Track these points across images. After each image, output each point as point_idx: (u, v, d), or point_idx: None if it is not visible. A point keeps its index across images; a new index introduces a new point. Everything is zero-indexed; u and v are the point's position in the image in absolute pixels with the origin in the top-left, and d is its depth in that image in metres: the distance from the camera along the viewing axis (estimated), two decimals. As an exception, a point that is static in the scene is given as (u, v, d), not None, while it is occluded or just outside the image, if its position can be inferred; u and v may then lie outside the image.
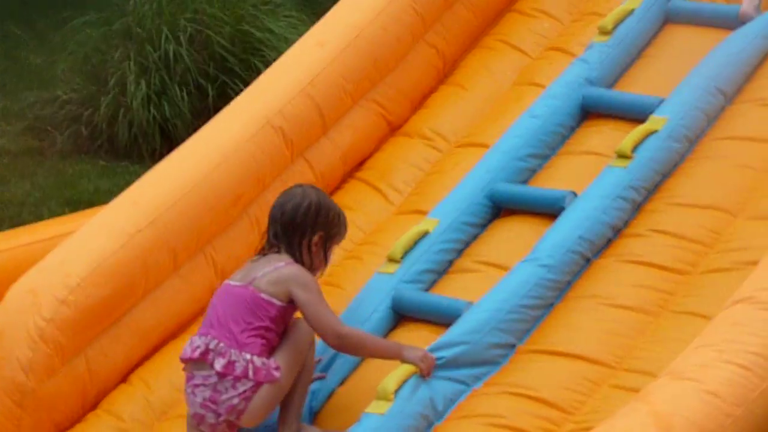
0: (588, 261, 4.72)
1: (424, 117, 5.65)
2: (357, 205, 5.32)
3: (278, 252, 4.46)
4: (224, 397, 4.33)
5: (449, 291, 4.75)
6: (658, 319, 4.48)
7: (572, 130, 5.29)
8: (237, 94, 8.57)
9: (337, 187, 5.44)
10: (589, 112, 5.31)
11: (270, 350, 4.38)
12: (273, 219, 4.49)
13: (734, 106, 5.15)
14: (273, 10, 9.52)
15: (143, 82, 9.05)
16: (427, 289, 4.78)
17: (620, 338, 4.41)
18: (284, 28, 9.40)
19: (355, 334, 4.41)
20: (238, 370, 4.33)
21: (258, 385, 4.33)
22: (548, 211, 4.87)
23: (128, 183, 8.30)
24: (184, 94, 9.06)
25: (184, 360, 4.42)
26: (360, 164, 5.52)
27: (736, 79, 5.19)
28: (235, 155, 5.06)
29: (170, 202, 4.87)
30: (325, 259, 4.53)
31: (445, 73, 5.82)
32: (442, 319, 4.59)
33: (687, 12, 5.56)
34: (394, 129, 5.63)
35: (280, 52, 8.90)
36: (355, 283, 4.91)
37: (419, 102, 5.72)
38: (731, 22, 5.40)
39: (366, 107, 5.53)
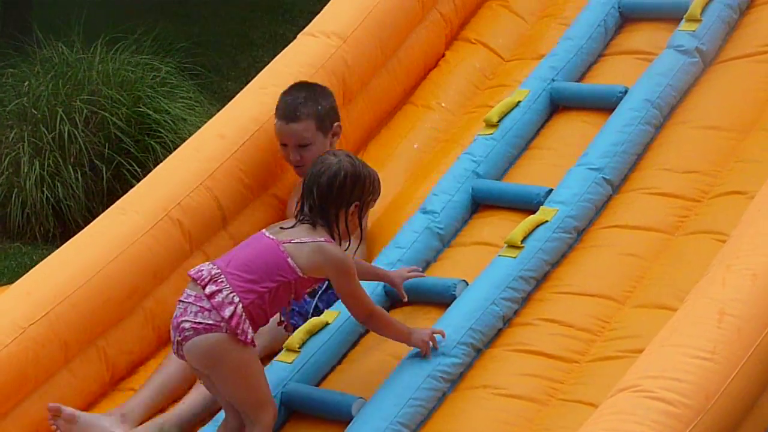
0: (479, 351, 4.80)
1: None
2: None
3: (313, 225, 4.46)
4: (184, 318, 4.34)
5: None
6: (547, 407, 4.56)
7: (465, 222, 5.41)
8: (132, 176, 8.66)
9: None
10: (479, 204, 5.43)
11: (254, 314, 4.37)
12: (308, 191, 4.49)
13: (620, 195, 5.31)
14: (170, 92, 9.58)
15: (37, 163, 9.05)
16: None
17: (510, 427, 4.49)
18: (182, 109, 9.46)
19: (384, 314, 4.56)
20: (217, 299, 4.32)
21: (215, 326, 4.30)
22: (440, 300, 4.95)
23: (20, 265, 8.32)
24: (79, 175, 9.06)
25: (189, 275, 4.44)
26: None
27: (622, 168, 5.34)
28: (132, 248, 5.06)
29: (64, 295, 4.87)
30: (360, 226, 4.55)
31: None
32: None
33: (572, 96, 5.73)
34: (294, 223, 5.70)
35: (177, 134, 9.02)
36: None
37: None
38: (613, 103, 5.56)
39: (267, 202, 5.55)
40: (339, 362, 4.90)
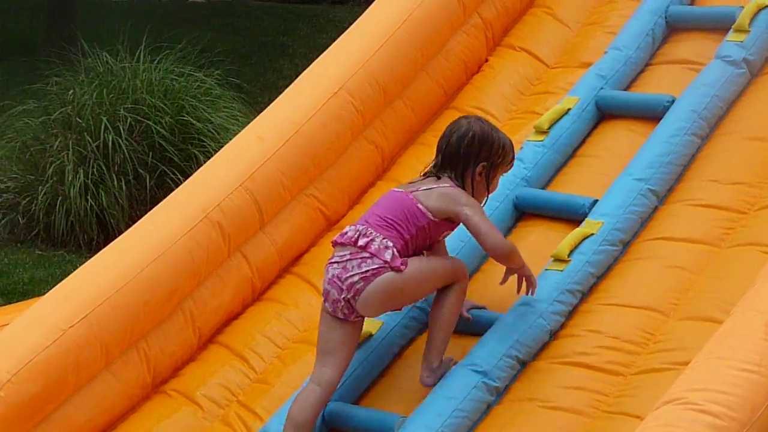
0: (524, 364, 4.77)
1: (362, 213, 5.67)
2: (292, 301, 5.34)
3: (438, 177, 4.76)
4: (349, 274, 4.63)
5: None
6: (593, 420, 4.52)
7: (508, 230, 5.37)
8: (176, 184, 8.67)
9: (273, 282, 5.46)
10: (523, 212, 5.39)
11: (403, 253, 4.65)
12: (438, 150, 4.80)
13: (665, 207, 5.26)
14: (213, 102, 9.61)
15: (81, 172, 9.08)
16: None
17: (558, 440, 4.45)
18: (224, 119, 9.49)
19: (512, 246, 4.73)
20: (373, 247, 4.62)
21: (381, 269, 4.59)
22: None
23: (64, 272, 8.34)
24: (122, 183, 9.09)
25: (333, 244, 4.75)
26: (296, 259, 5.54)
27: (668, 179, 5.30)
28: (172, 250, 5.06)
29: (104, 297, 4.86)
30: (488, 189, 4.81)
31: (384, 168, 5.90)
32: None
33: (619, 104, 5.67)
34: (331, 224, 5.68)
35: (219, 143, 9.03)
36: (288, 382, 4.93)
37: (357, 197, 5.79)
38: (660, 113, 5.51)
39: (304, 202, 5.57)
40: (381, 375, 4.90)
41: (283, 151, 5.48)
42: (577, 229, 5.09)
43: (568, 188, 5.44)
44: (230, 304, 5.30)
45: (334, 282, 4.67)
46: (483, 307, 4.95)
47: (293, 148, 5.51)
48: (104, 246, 5.23)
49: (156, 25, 11.69)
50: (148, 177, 9.08)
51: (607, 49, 5.89)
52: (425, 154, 5.86)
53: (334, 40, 6.00)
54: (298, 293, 5.39)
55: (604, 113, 5.72)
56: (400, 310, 4.88)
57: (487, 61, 6.23)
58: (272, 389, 4.95)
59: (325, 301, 4.71)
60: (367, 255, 4.63)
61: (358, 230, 4.70)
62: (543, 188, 5.47)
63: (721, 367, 3.98)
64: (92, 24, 13.24)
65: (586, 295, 4.99)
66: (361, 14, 6.08)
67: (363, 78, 5.72)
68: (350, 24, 6.05)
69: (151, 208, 5.38)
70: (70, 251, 9.03)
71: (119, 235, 5.25)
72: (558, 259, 4.97)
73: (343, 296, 4.66)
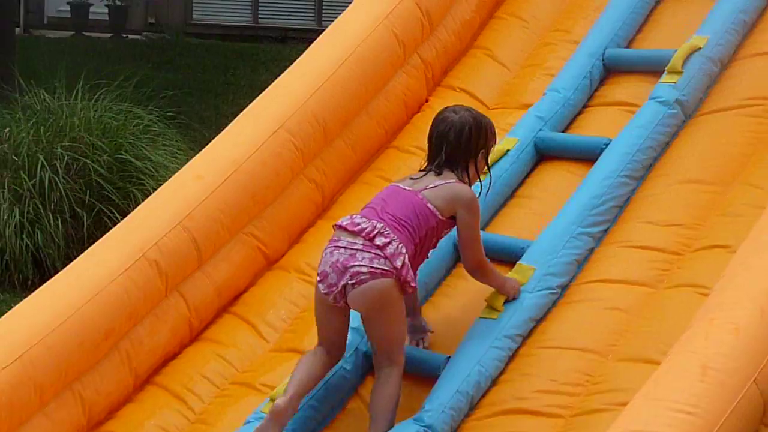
0: (468, 414, 4.78)
1: (301, 251, 5.69)
2: (231, 341, 5.31)
3: (440, 174, 4.81)
4: (357, 263, 4.61)
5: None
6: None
7: (449, 271, 5.37)
8: (113, 223, 8.59)
9: (212, 322, 5.43)
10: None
11: (413, 264, 4.69)
12: (437, 147, 4.86)
13: (602, 248, 5.27)
14: (153, 139, 9.55)
15: (17, 210, 8.98)
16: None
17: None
18: (164, 156, 9.43)
19: (490, 266, 4.89)
20: (389, 250, 4.62)
21: (389, 272, 4.60)
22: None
23: (-1, 312, 8.23)
24: (59, 222, 8.99)
25: (338, 227, 4.72)
26: (235, 298, 5.52)
27: (603, 221, 5.31)
28: (108, 289, 5.01)
29: (38, 338, 4.80)
30: (487, 169, 5.01)
31: (324, 207, 5.89)
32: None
33: (557, 146, 5.71)
34: (270, 263, 5.66)
35: (159, 181, 8.97)
36: (226, 422, 4.89)
37: (297, 236, 5.77)
38: (597, 154, 5.53)
39: (243, 241, 5.55)
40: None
41: (222, 190, 5.46)
42: (509, 273, 5.10)
43: (508, 229, 5.45)
44: (168, 344, 5.26)
45: (337, 266, 4.65)
46: (431, 332, 4.99)
47: (232, 186, 5.50)
48: (39, 286, 5.17)
49: (95, 62, 11.64)
50: (85, 216, 8.99)
51: (545, 91, 5.93)
52: (366, 192, 5.86)
53: (276, 78, 6.01)
54: (237, 333, 5.35)
55: (543, 154, 5.74)
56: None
57: (427, 101, 6.26)
58: (212, 430, 4.90)
59: (320, 282, 4.70)
60: (381, 254, 4.62)
61: (375, 227, 4.67)
62: (482, 229, 5.48)
63: (658, 408, 3.98)
64: (30, 61, 13.15)
65: (525, 338, 4.99)
66: (302, 53, 6.09)
67: (303, 116, 5.73)
68: (292, 62, 6.06)
69: (87, 247, 5.33)
70: (5, 291, 8.91)
71: (55, 274, 5.19)
72: (492, 308, 4.98)
73: (342, 282, 4.65)
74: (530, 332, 5.00)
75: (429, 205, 4.75)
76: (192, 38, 17.06)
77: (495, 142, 4.99)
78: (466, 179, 4.86)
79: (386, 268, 4.61)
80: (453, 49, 6.37)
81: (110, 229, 5.44)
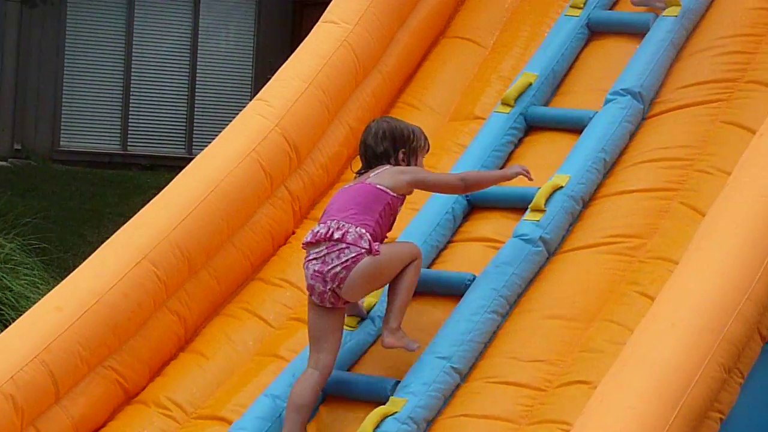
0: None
1: (162, 385, 5.61)
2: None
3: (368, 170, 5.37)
4: (329, 267, 5.15)
5: None
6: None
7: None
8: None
9: (68, 457, 5.32)
10: (327, 394, 5.40)
11: (376, 237, 5.21)
12: (362, 154, 5.46)
13: (468, 384, 5.29)
14: (14, 269, 9.39)
15: None
16: None
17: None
18: (24, 287, 9.27)
19: (472, 173, 5.61)
20: (350, 237, 5.14)
21: (359, 256, 5.12)
22: None
23: None
24: None
25: (306, 244, 5.25)
26: (93, 433, 5.43)
27: (470, 357, 5.35)
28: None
29: None
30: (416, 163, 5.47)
31: (187, 340, 5.83)
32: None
33: (424, 282, 5.69)
34: (130, 397, 5.56)
35: (19, 312, 8.79)
36: None
37: (158, 369, 5.69)
38: (462, 290, 5.60)
39: (102, 374, 5.45)
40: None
41: (82, 322, 5.38)
42: (380, 407, 5.10)
43: (373, 368, 5.47)
44: (20, 481, 5.11)
45: (317, 276, 5.18)
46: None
47: (93, 318, 5.42)
48: None
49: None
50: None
51: (406, 228, 5.95)
52: (230, 325, 5.83)
53: (143, 206, 5.97)
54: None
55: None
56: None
57: (294, 233, 6.26)
58: None
59: (311, 295, 5.21)
60: (344, 246, 5.15)
61: (329, 226, 5.19)
62: (347, 370, 5.50)
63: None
64: None
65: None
66: (172, 181, 6.07)
67: (167, 248, 5.69)
68: (161, 190, 6.03)
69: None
70: None
71: None
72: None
73: (328, 287, 5.17)
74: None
75: (378, 186, 5.29)
76: (59, 165, 16.91)
77: (425, 144, 5.51)
78: None
79: (354, 254, 5.14)
80: (320, 181, 6.41)
81: (-34, 360, 5.31)
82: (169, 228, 5.74)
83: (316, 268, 5.17)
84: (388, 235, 5.39)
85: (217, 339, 5.81)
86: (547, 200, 5.79)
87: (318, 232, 5.21)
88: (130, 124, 18.51)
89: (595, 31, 6.57)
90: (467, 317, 5.42)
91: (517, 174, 5.56)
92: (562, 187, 5.82)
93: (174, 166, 6.68)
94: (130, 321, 5.56)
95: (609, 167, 6.02)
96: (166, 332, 5.73)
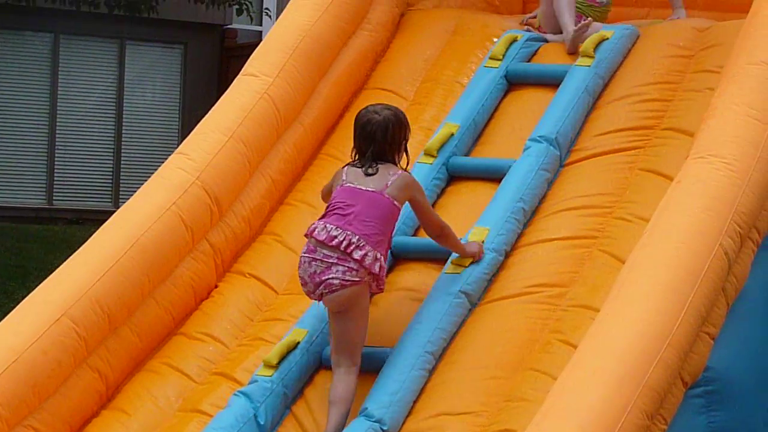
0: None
1: (86, 442, 5.56)
2: None
3: (376, 166, 5.52)
4: (331, 276, 5.36)
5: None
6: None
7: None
8: None
9: None
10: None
11: (385, 258, 5.48)
12: (367, 144, 5.55)
13: None
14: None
15: None
16: None
17: None
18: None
19: (449, 228, 5.68)
20: (367, 261, 5.34)
21: (362, 282, 5.36)
22: None
23: None
24: None
25: (317, 239, 5.39)
26: (12, 493, 5.34)
27: (399, 415, 5.38)
28: None
29: None
30: (406, 156, 5.67)
31: (108, 397, 5.76)
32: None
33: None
34: (50, 456, 5.50)
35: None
36: None
37: (80, 428, 5.61)
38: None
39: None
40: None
41: (0, 381, 5.29)
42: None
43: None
44: None
45: (314, 279, 5.40)
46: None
47: (12, 376, 5.34)
48: None
49: None
50: None
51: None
52: (152, 381, 5.77)
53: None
54: None
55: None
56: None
57: (216, 287, 6.23)
58: None
59: (302, 285, 5.47)
60: (354, 266, 5.34)
61: (351, 241, 5.35)
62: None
63: None
64: None
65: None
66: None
67: (87, 304, 5.63)
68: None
69: None
70: None
71: None
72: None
73: (318, 291, 5.41)
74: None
75: (395, 203, 5.48)
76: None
77: (410, 130, 5.68)
78: (400, 167, 5.59)
79: (357, 279, 5.35)
80: (243, 235, 6.37)
81: None
82: (88, 284, 5.68)
83: (318, 272, 5.38)
84: None
85: (139, 395, 5.74)
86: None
87: (335, 237, 5.36)
88: (55, 178, 18.39)
89: (513, 82, 6.62)
90: (395, 377, 5.43)
91: (474, 254, 5.74)
92: (482, 240, 5.83)
93: (101, 219, 6.64)
94: (50, 379, 5.49)
95: (528, 216, 6.06)
96: (87, 390, 5.66)
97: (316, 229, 5.42)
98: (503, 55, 6.72)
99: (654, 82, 6.47)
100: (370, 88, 7.02)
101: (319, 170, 6.65)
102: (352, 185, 5.50)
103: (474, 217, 6.03)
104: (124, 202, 6.27)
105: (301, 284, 5.48)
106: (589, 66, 6.53)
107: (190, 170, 6.19)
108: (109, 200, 18.46)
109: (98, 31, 18.35)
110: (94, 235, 6.00)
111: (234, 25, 19.67)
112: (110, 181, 18.67)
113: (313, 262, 5.39)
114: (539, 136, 6.24)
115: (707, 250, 5.24)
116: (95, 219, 16.15)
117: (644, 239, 5.34)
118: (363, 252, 5.33)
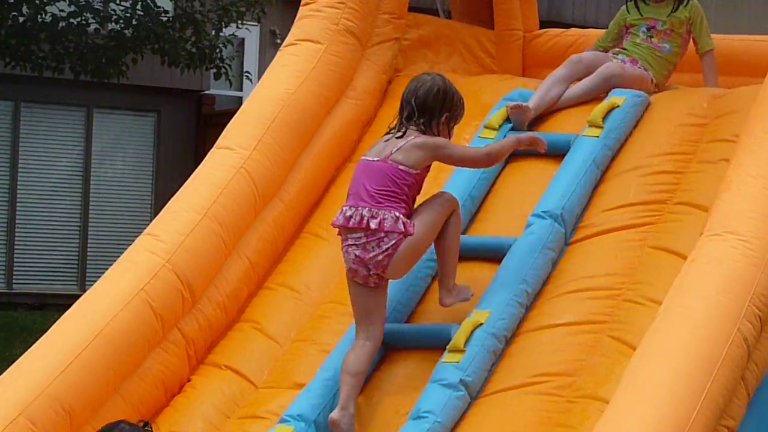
0: None
1: None
2: None
3: (405, 132, 5.89)
4: (371, 255, 5.78)
5: None
6: None
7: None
8: None
9: None
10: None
11: (408, 214, 5.82)
12: (406, 102, 5.95)
13: None
14: None
15: None
16: None
17: None
18: None
19: (494, 147, 6.14)
20: (387, 225, 5.76)
21: (398, 242, 5.76)
22: None
23: None
24: None
25: (337, 226, 5.87)
26: None
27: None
28: None
29: None
30: (449, 136, 5.99)
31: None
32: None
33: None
34: None
35: None
36: None
37: None
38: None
39: None
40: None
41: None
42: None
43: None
44: None
45: (359, 262, 5.79)
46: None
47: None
48: None
49: None
50: None
51: (318, 371, 5.95)
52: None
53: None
54: None
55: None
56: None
57: (189, 380, 6.22)
58: None
59: (354, 277, 5.83)
60: (382, 234, 5.74)
61: (362, 214, 5.78)
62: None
63: None
64: None
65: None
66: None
67: (46, 402, 5.61)
68: (47, 333, 5.99)
69: None
70: None
71: None
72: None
73: (372, 272, 5.79)
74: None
75: (401, 167, 5.81)
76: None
77: (462, 115, 6.02)
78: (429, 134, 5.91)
79: (394, 241, 5.75)
80: (218, 323, 6.37)
81: None
82: (48, 380, 5.66)
83: (357, 254, 5.78)
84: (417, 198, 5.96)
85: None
86: (467, 339, 5.81)
87: (351, 217, 5.79)
88: (15, 260, 18.38)
89: (512, 153, 6.68)
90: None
91: (529, 138, 6.19)
92: (482, 324, 5.84)
93: (65, 304, 6.65)
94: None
95: (532, 299, 6.06)
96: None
97: (336, 217, 5.86)
98: (500, 125, 6.78)
99: (666, 153, 6.51)
100: (356, 161, 7.05)
101: (302, 250, 6.67)
102: (363, 159, 5.94)
103: (472, 300, 6.03)
104: (91, 286, 6.29)
105: (353, 278, 5.84)
106: (597, 137, 6.57)
107: (159, 253, 6.20)
108: (75, 283, 18.44)
109: (63, 99, 18.45)
110: (55, 324, 5.99)
111: (212, 91, 19.78)
112: (76, 262, 18.66)
113: (350, 248, 5.80)
114: (543, 212, 6.27)
115: (724, 335, 5.25)
116: (59, 304, 16.13)
117: (656, 324, 5.35)
118: (378, 219, 5.75)
